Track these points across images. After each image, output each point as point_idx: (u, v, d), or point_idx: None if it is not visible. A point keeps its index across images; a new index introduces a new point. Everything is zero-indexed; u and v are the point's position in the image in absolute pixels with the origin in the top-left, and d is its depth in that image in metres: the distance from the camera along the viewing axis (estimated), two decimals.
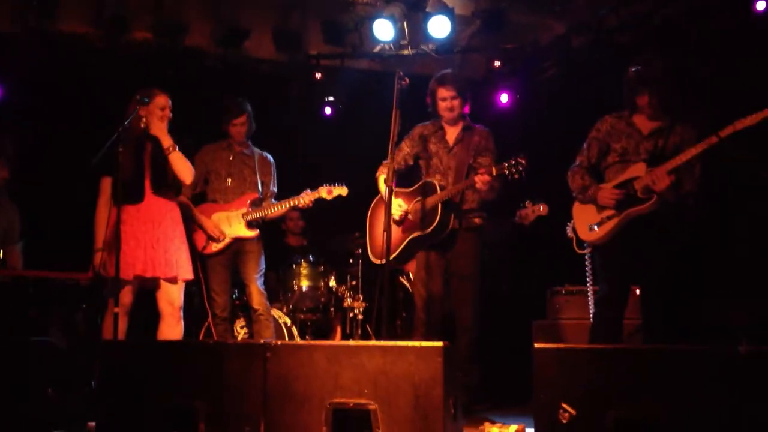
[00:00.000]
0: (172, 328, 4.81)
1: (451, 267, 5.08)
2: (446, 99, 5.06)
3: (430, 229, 4.95)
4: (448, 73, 5.13)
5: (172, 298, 4.82)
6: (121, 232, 4.61)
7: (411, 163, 5.23)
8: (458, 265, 5.06)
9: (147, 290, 4.89)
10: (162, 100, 4.87)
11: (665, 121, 4.48)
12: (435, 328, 5.06)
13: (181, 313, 4.86)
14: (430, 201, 5.00)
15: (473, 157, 5.05)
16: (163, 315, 4.83)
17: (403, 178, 5.20)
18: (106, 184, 4.85)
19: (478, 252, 5.09)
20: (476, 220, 5.09)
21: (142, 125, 4.79)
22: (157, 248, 4.75)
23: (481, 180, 4.73)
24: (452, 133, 5.17)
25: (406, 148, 5.22)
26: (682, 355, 3.06)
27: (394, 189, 4.63)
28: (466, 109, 5.15)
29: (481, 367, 5.04)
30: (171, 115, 4.91)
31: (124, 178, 4.66)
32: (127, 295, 4.74)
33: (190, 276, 4.91)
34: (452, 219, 4.98)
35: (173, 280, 4.81)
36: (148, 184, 4.83)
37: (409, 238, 5.05)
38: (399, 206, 5.07)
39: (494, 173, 4.68)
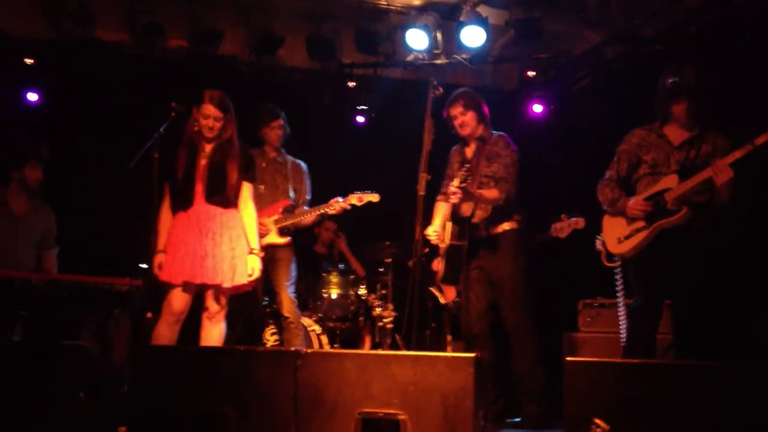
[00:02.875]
0: (209, 331, 4.82)
1: (490, 276, 5.07)
2: (456, 117, 5.11)
3: (447, 247, 5.01)
4: (454, 93, 5.15)
5: (213, 302, 4.80)
6: (172, 237, 4.66)
7: None
8: (492, 272, 5.06)
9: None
10: (206, 109, 4.78)
11: (696, 130, 4.43)
12: (477, 340, 5.05)
13: (222, 316, 4.83)
14: (445, 220, 5.08)
15: (487, 165, 5.03)
16: (203, 319, 4.84)
17: None
18: (167, 188, 4.86)
19: (511, 255, 5.03)
20: (504, 226, 5.06)
21: (196, 128, 4.78)
22: (204, 255, 4.69)
23: (451, 192, 4.77)
24: (471, 148, 5.20)
25: (448, 173, 5.29)
26: (718, 371, 3.01)
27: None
28: (484, 123, 5.16)
29: (544, 374, 4.97)
30: (217, 126, 4.79)
31: (175, 184, 4.71)
32: (177, 301, 4.72)
33: (239, 283, 4.79)
34: (464, 230, 4.98)
35: (218, 287, 4.76)
36: (200, 190, 4.79)
37: (443, 257, 5.09)
38: (434, 231, 5.11)
39: (457, 184, 4.70)
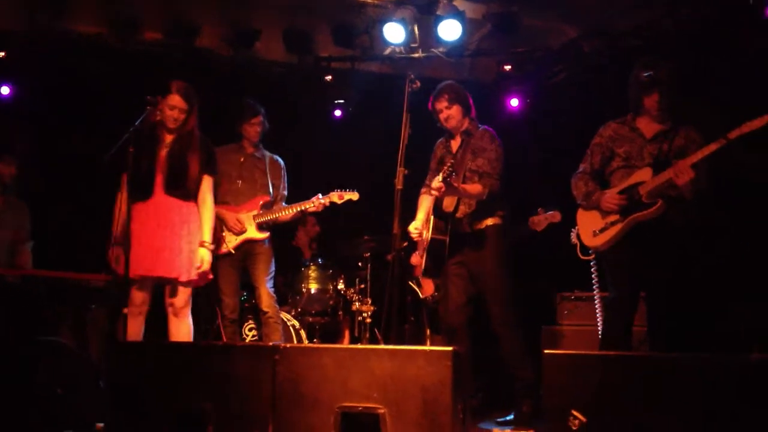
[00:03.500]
0: (176, 327, 4.78)
1: (472, 272, 5.08)
2: (441, 110, 5.11)
3: (429, 241, 5.01)
4: (439, 86, 5.14)
5: (174, 297, 4.77)
6: (131, 230, 4.59)
7: None
8: (475, 268, 5.05)
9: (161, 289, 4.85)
10: (172, 100, 4.77)
11: (669, 124, 4.47)
12: (456, 334, 5.05)
13: (187, 311, 4.80)
14: (429, 215, 5.07)
15: (472, 159, 5.04)
16: (168, 314, 4.80)
17: None
18: (124, 180, 4.77)
19: (495, 250, 5.02)
20: (487, 221, 5.07)
21: (158, 118, 4.73)
22: (162, 248, 4.67)
23: (434, 187, 4.77)
24: (456, 141, 5.20)
25: (432, 167, 5.29)
26: (693, 362, 3.05)
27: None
28: (471, 114, 5.17)
29: (533, 367, 4.93)
30: (181, 117, 4.80)
31: (135, 174, 4.63)
32: (138, 295, 4.70)
33: (192, 277, 4.78)
34: (447, 225, 4.99)
35: (175, 280, 4.74)
36: (160, 181, 4.77)
37: (425, 250, 5.10)
38: (415, 228, 5.12)
39: (441, 178, 4.69)
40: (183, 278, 4.73)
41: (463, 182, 4.91)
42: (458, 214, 5.03)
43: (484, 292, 5.03)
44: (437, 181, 4.72)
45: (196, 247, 4.79)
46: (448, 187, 4.72)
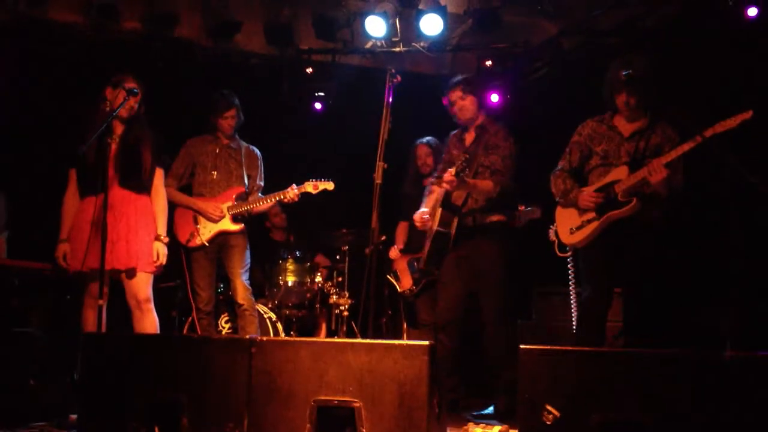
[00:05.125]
0: (140, 321, 4.69)
1: (473, 267, 5.08)
2: (456, 102, 5.12)
3: (434, 232, 5.02)
4: (454, 78, 5.16)
5: (134, 290, 4.68)
6: (84, 224, 4.54)
7: None
8: (476, 262, 5.06)
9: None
10: (129, 83, 4.68)
11: (645, 122, 4.49)
12: (446, 329, 5.08)
13: (150, 305, 4.71)
14: (436, 207, 5.09)
15: (485, 155, 5.04)
16: (131, 308, 4.71)
17: None
18: (72, 175, 4.75)
19: (498, 247, 5.05)
20: (492, 218, 5.07)
21: (107, 108, 4.61)
22: (117, 240, 4.60)
23: (446, 179, 4.76)
24: (470, 135, 5.19)
25: (445, 158, 5.29)
26: (667, 359, 3.07)
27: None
28: (484, 110, 5.20)
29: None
30: (135, 106, 4.73)
31: (87, 168, 4.58)
32: (94, 286, 4.58)
33: (149, 269, 4.72)
34: (454, 217, 4.99)
35: (132, 272, 4.66)
36: (112, 173, 4.66)
37: (429, 241, 5.12)
38: (421, 215, 5.14)
39: (454, 171, 4.69)
40: (141, 269, 4.67)
41: (474, 177, 4.92)
42: (465, 208, 5.04)
43: (481, 288, 5.04)
44: (450, 174, 4.71)
45: (152, 240, 4.75)
46: (460, 181, 4.72)
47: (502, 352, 4.95)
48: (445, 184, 4.81)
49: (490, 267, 5.02)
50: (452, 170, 4.69)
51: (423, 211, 5.15)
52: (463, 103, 5.10)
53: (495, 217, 5.07)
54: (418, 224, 5.18)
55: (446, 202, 5.01)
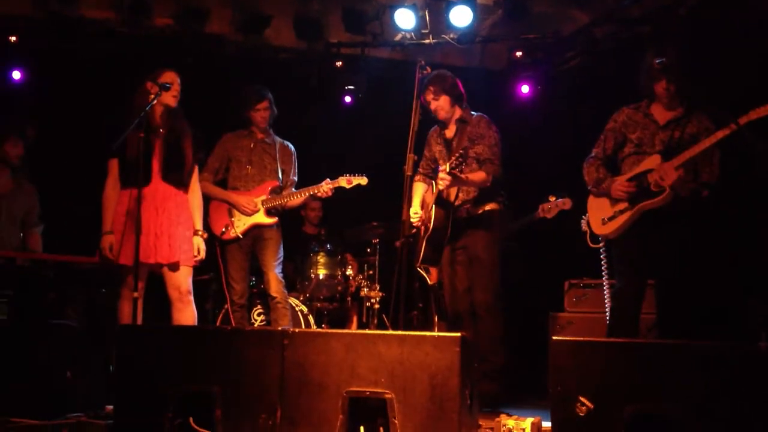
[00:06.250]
0: (181, 312, 4.74)
1: (470, 256, 5.08)
2: (431, 102, 5.09)
3: (431, 228, 5.00)
4: (426, 78, 5.03)
5: (177, 283, 4.73)
6: (126, 217, 4.56)
7: (435, 166, 5.23)
8: (469, 253, 5.07)
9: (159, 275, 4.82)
10: (168, 77, 4.74)
11: (682, 111, 4.44)
12: (461, 320, 5.08)
13: (190, 297, 4.76)
14: (430, 202, 5.07)
15: (469, 146, 5.02)
16: (172, 300, 4.75)
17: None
18: (114, 166, 4.76)
19: (491, 236, 5.05)
20: (485, 207, 5.07)
21: (150, 100, 4.62)
22: (160, 234, 4.65)
23: (441, 179, 4.74)
24: (451, 130, 5.19)
25: (426, 155, 5.30)
26: (701, 351, 3.04)
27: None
28: (464, 102, 5.16)
29: (506, 355, 5.00)
30: (179, 93, 4.78)
31: (131, 160, 4.60)
32: (131, 280, 4.55)
33: (191, 263, 4.76)
34: (449, 213, 5.00)
35: (176, 266, 4.71)
36: (156, 167, 4.73)
37: (425, 239, 5.10)
38: (415, 213, 5.11)
39: (447, 170, 4.68)
40: (183, 263, 4.71)
41: (463, 170, 4.90)
42: (457, 202, 5.04)
43: (474, 276, 5.04)
44: (444, 173, 4.71)
45: (191, 235, 4.79)
46: (455, 178, 4.71)
47: (493, 340, 4.95)
48: (440, 184, 4.79)
49: (483, 256, 5.02)
50: (446, 167, 4.69)
51: (414, 212, 5.12)
52: (437, 104, 5.09)
53: (488, 206, 5.07)
54: (414, 223, 5.14)
55: (439, 199, 4.99)
